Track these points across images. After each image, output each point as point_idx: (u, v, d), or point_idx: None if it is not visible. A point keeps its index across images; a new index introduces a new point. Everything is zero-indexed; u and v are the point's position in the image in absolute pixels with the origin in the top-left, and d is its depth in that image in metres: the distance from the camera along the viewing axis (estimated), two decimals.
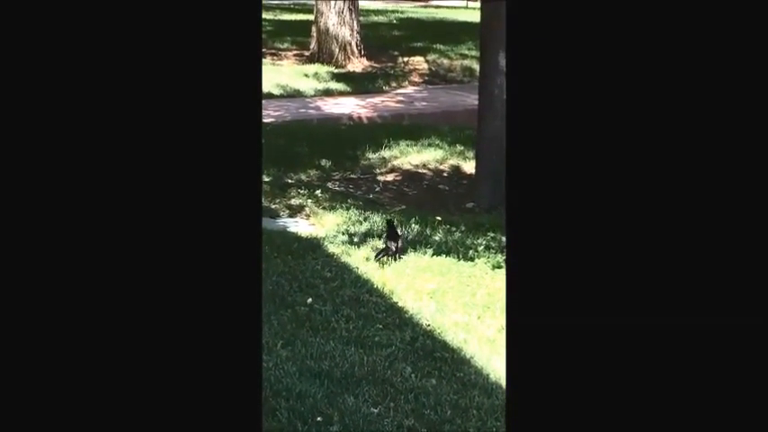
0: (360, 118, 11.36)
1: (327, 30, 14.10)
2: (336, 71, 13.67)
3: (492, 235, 6.70)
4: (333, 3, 13.97)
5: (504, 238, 6.37)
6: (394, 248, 5.98)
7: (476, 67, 12.55)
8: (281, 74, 13.31)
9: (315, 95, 12.51)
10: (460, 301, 5.38)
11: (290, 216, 7.45)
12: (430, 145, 9.66)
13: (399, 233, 6.20)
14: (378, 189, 8.61)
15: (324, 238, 6.37)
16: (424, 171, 9.10)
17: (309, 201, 7.75)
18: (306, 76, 13.32)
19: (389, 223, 6.29)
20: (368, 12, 18.25)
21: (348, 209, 7.36)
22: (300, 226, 7.10)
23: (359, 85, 13.10)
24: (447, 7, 21.71)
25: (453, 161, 9.30)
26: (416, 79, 13.93)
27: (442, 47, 15.19)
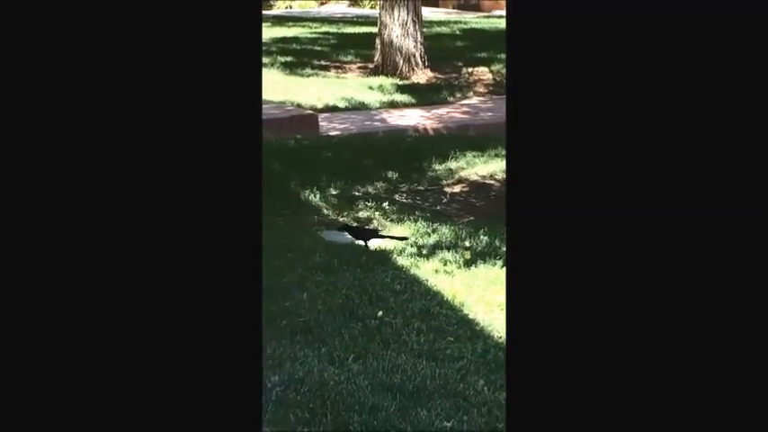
0: (425, 129, 11.35)
1: (391, 42, 14.11)
2: (401, 83, 13.67)
3: None
4: (396, 15, 13.99)
5: None
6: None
7: None
8: (345, 87, 13.35)
9: (380, 107, 12.51)
10: None
11: None
12: (497, 155, 9.61)
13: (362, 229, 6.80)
14: (445, 200, 8.58)
15: (392, 251, 6.37)
16: (492, 182, 9.06)
17: (377, 213, 7.75)
18: (370, 88, 13.34)
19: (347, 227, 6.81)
20: (431, 23, 18.24)
21: (416, 221, 7.34)
22: None
23: (424, 96, 13.09)
24: None
25: None
26: (481, 90, 13.89)
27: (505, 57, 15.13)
